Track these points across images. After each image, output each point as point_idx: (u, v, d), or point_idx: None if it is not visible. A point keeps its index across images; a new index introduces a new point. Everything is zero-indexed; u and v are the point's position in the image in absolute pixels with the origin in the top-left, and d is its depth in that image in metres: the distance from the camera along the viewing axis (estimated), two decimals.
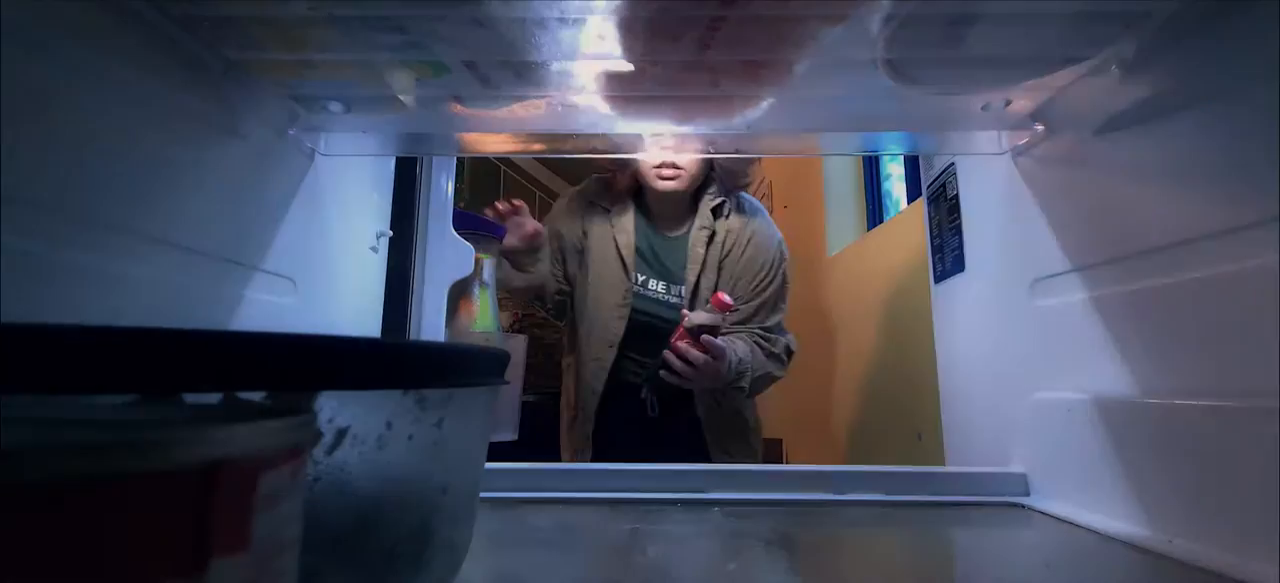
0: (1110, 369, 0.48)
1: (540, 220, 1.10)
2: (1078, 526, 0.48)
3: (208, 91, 0.49)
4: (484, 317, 0.82)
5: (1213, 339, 0.40)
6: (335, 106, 0.58)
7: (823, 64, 0.50)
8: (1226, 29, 0.39)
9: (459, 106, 0.58)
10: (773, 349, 1.12)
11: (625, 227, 1.14)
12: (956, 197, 0.73)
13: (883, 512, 0.55)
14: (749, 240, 1.12)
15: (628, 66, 0.50)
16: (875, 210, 2.08)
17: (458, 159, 0.88)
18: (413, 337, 0.77)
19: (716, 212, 1.13)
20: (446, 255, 0.80)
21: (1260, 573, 0.35)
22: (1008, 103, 0.56)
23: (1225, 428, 0.38)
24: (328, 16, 0.44)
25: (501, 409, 0.77)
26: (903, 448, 1.43)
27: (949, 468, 0.70)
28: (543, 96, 0.56)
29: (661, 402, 1.09)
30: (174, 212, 0.47)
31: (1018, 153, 0.62)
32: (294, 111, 0.59)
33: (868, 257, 1.79)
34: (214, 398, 0.18)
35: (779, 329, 1.14)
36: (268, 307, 0.56)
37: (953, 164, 0.74)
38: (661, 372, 0.99)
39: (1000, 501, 0.57)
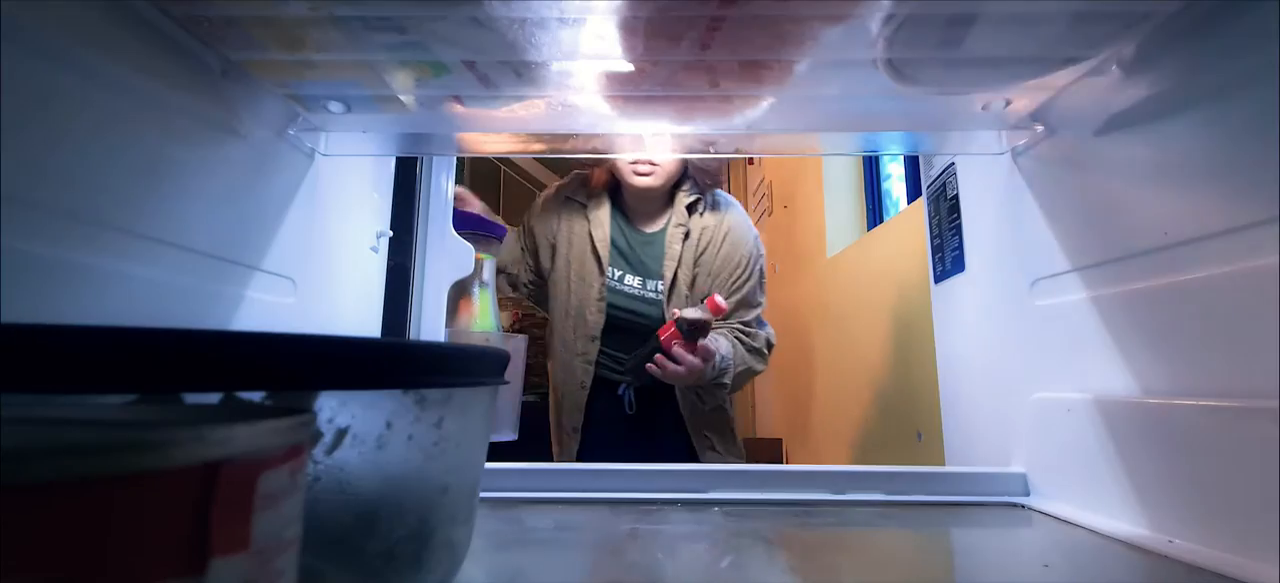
0: (1110, 369, 0.48)
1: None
2: (1078, 526, 0.49)
3: (208, 91, 0.49)
4: (484, 317, 0.82)
5: (1213, 339, 0.40)
6: (335, 107, 0.58)
7: (823, 64, 0.50)
8: (1226, 29, 0.39)
9: (459, 106, 0.58)
10: (753, 343, 1.13)
11: (601, 221, 1.14)
12: (956, 197, 0.73)
13: (883, 512, 0.55)
14: (725, 236, 1.13)
15: (627, 66, 0.50)
16: (875, 210, 2.08)
17: (458, 159, 0.88)
18: (413, 337, 0.76)
19: (691, 208, 1.13)
20: (446, 255, 0.80)
21: (1260, 573, 0.35)
22: (1008, 103, 0.56)
23: (1225, 428, 0.38)
24: (328, 16, 0.44)
25: (501, 409, 0.77)
26: (903, 448, 1.43)
27: (949, 468, 0.70)
28: (543, 96, 0.56)
29: (640, 399, 1.09)
30: (174, 212, 0.47)
31: (1018, 153, 0.62)
32: (294, 112, 0.59)
33: (868, 257, 1.79)
34: (214, 398, 0.18)
35: (758, 322, 1.15)
36: (267, 307, 0.56)
37: (953, 164, 0.74)
38: (649, 366, 0.99)
39: (1000, 501, 0.57)
